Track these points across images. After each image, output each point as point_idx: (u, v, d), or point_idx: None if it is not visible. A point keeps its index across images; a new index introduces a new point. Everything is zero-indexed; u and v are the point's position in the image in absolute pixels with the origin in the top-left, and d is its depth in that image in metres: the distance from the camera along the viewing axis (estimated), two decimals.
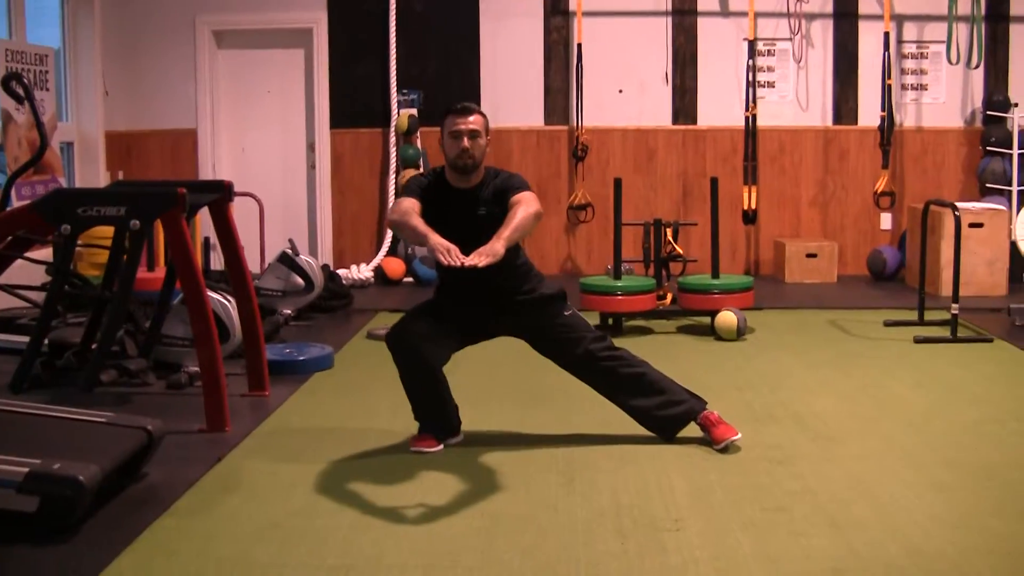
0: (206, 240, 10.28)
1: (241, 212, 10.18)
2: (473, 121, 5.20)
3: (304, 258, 8.77)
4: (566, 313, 5.49)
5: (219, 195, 6.45)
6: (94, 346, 6.48)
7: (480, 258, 4.74)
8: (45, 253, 7.67)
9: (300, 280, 8.69)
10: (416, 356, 5.32)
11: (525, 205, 5.06)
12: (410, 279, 10.96)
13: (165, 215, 5.78)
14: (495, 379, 6.99)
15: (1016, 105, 11.19)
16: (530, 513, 4.54)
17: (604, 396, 5.59)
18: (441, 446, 5.45)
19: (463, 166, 5.21)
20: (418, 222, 5.02)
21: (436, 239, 4.86)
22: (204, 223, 10.15)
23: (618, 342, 7.57)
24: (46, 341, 6.59)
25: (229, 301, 6.72)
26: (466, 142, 5.17)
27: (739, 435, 5.40)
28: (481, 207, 5.23)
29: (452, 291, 5.41)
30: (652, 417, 5.52)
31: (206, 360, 5.75)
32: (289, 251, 8.74)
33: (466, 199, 5.26)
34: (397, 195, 11.11)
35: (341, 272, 10.46)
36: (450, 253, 4.76)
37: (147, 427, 4.89)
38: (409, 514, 4.54)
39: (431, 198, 5.22)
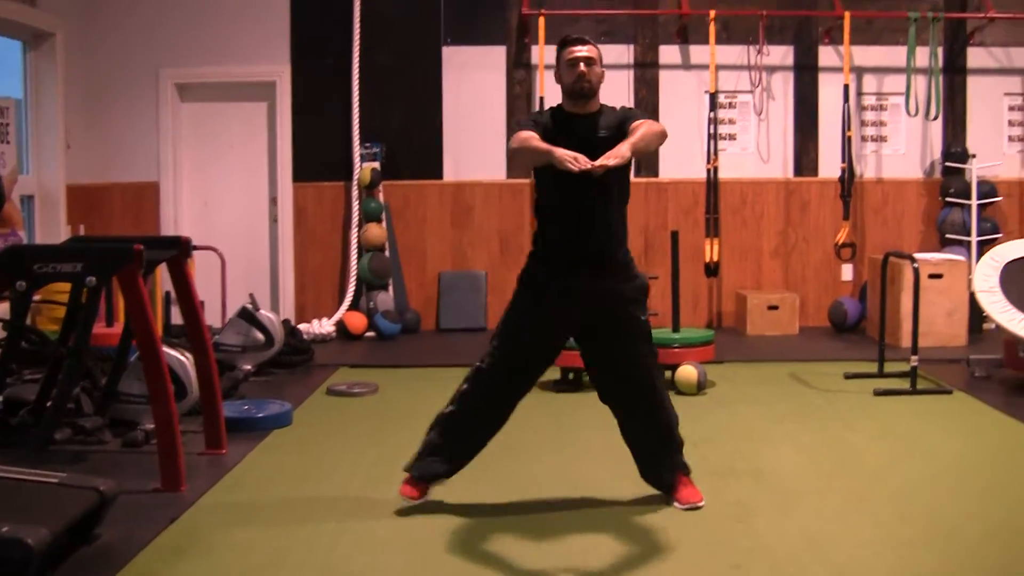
0: (167, 295, 10.23)
1: (203, 266, 10.23)
2: (588, 49, 5.24)
3: (264, 313, 8.73)
4: (643, 318, 5.45)
5: (176, 251, 6.42)
6: (49, 403, 6.42)
7: (608, 160, 4.79)
8: (2, 309, 7.61)
9: (260, 335, 8.65)
10: (494, 401, 5.41)
11: (649, 124, 5.09)
12: (372, 334, 10.92)
13: (121, 272, 5.75)
14: None
15: (974, 156, 11.28)
16: (486, 572, 4.51)
17: (619, 417, 5.51)
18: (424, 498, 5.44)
19: (580, 90, 5.22)
20: (539, 142, 5.03)
21: (561, 151, 4.86)
22: (165, 277, 10.11)
23: (579, 397, 7.60)
24: (1, 398, 6.53)
25: (187, 358, 6.68)
26: (582, 67, 5.19)
27: (703, 502, 5.39)
28: (602, 130, 5.21)
29: (554, 249, 5.32)
30: (653, 461, 5.50)
31: (161, 418, 5.71)
32: (249, 306, 8.70)
33: (586, 123, 5.25)
34: (360, 250, 11.10)
35: (302, 327, 10.42)
36: (578, 160, 4.79)
37: (99, 487, 4.84)
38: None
39: (549, 127, 5.21)
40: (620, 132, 5.12)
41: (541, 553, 4.75)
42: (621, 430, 5.52)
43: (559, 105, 5.36)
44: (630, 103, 11.27)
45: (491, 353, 5.37)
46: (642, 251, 11.33)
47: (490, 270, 11.42)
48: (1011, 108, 11.67)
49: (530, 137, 5.08)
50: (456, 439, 5.46)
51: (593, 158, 4.85)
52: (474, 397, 5.40)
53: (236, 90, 11.48)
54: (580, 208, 5.19)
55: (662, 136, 5.14)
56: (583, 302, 5.29)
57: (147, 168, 11.40)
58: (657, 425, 5.46)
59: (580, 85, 5.21)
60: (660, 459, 5.50)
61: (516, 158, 5.20)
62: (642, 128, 5.03)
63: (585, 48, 5.24)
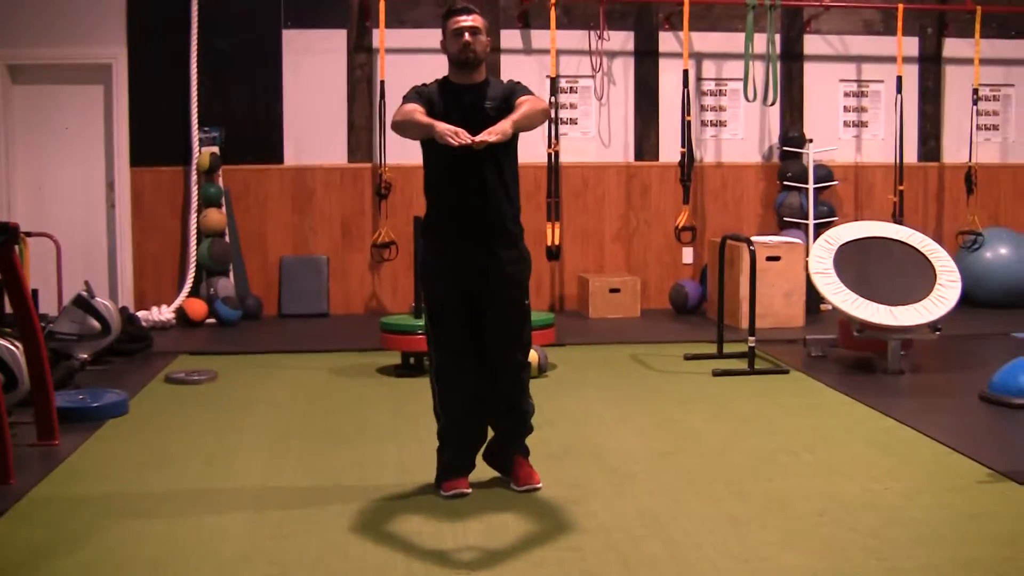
0: (0, 283, 9.96)
1: (38, 253, 9.97)
2: (472, 19, 5.30)
3: (100, 300, 8.55)
4: (524, 301, 5.51)
5: (4, 238, 6.23)
6: None
7: (489, 136, 4.87)
8: None
9: (96, 323, 8.46)
10: (468, 397, 5.39)
11: (533, 102, 5.17)
12: (212, 320, 10.76)
13: None
14: (290, 419, 6.92)
15: (811, 141, 11.51)
16: (320, 558, 4.47)
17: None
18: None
19: (465, 60, 5.26)
20: (422, 116, 5.08)
21: (443, 125, 4.94)
22: None
23: (419, 382, 7.59)
24: None
25: (16, 347, 6.51)
26: (467, 36, 5.24)
27: (541, 484, 5.40)
28: (488, 101, 5.25)
29: (444, 224, 5.34)
30: (500, 445, 5.56)
31: None
32: (85, 293, 8.52)
33: (473, 94, 5.29)
34: (199, 236, 10.94)
35: (141, 314, 10.24)
36: (458, 135, 4.86)
37: None
38: (194, 570, 4.43)
39: (435, 99, 5.24)
40: (506, 104, 5.20)
41: (371, 540, 4.71)
42: (484, 407, 5.51)
43: (445, 77, 5.39)
44: None
45: (426, 323, 5.45)
46: None
47: (332, 255, 11.34)
48: (846, 94, 11.95)
49: (414, 110, 5.12)
50: (455, 419, 5.44)
51: (480, 129, 4.95)
52: (442, 365, 5.42)
53: (71, 72, 11.21)
54: (466, 181, 5.23)
55: (545, 114, 5.28)
56: (470, 272, 5.31)
57: None
58: (515, 410, 5.48)
59: (466, 55, 5.25)
60: (508, 444, 5.53)
61: (399, 131, 5.19)
62: (525, 105, 5.12)
63: (470, 18, 5.30)
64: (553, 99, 11.02)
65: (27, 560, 4.51)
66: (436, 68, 11.01)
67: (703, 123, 11.72)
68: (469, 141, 4.84)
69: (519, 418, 5.50)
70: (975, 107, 11.66)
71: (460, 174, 5.19)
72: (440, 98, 5.25)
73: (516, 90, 5.28)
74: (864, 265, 8.47)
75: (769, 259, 10.02)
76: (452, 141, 4.85)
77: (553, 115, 10.99)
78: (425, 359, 8.33)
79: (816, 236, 10.77)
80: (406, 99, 5.27)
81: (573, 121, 11.54)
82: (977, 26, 11.43)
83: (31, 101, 11.25)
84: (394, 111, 5.25)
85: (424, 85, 5.37)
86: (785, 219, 11.48)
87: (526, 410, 5.52)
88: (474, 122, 5.04)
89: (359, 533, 4.80)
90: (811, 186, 11.34)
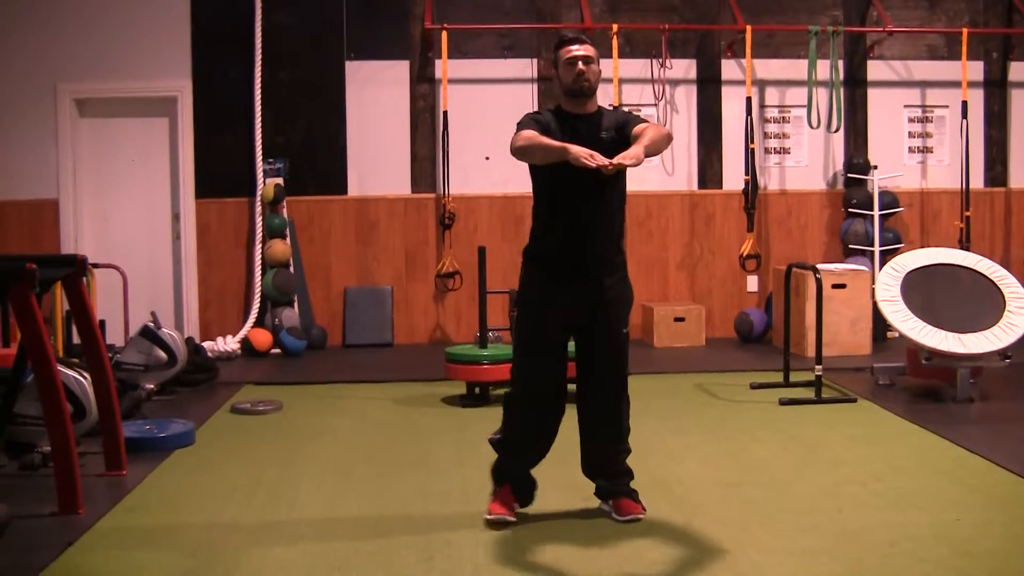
0: (68, 313, 10.04)
1: (105, 284, 10.07)
2: (585, 48, 5.26)
3: (167, 331, 8.60)
4: (624, 330, 5.42)
5: (72, 270, 6.29)
6: None
7: (625, 159, 4.80)
8: None
9: (163, 354, 8.51)
10: (541, 410, 5.39)
11: (655, 128, 5.13)
12: (277, 351, 10.81)
13: (13, 290, 5.62)
14: (354, 449, 6.91)
15: (875, 167, 11.42)
16: None
17: (580, 416, 5.47)
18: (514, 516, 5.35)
19: (580, 89, 5.22)
20: (549, 139, 5.03)
21: (577, 148, 4.87)
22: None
23: (485, 412, 7.57)
24: None
25: (84, 378, 6.55)
26: (581, 65, 5.20)
27: (643, 512, 5.40)
28: (603, 131, 5.21)
29: (550, 253, 5.31)
30: (602, 461, 5.50)
31: (57, 440, 5.58)
32: (151, 324, 8.57)
33: (587, 124, 5.24)
34: (264, 266, 11.00)
35: (206, 344, 10.29)
36: (594, 157, 4.79)
37: None
38: None
39: (552, 127, 5.19)
40: (620, 135, 5.16)
41: (437, 572, 4.69)
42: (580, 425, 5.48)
43: (557, 105, 5.36)
44: None
45: (515, 348, 5.48)
46: None
47: (395, 285, 11.37)
48: (911, 120, 11.85)
49: (536, 135, 5.08)
50: (520, 439, 5.46)
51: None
52: (521, 395, 5.44)
53: (136, 105, 11.33)
54: (581, 210, 5.20)
55: (668, 139, 5.22)
56: (572, 301, 5.30)
57: (45, 185, 11.20)
58: (612, 425, 5.43)
59: (580, 84, 5.22)
60: (607, 465, 5.48)
61: (522, 155, 5.13)
62: (650, 131, 5.07)
63: (583, 47, 5.26)
64: None
65: None
66: (497, 98, 11.05)
67: (766, 150, 11.66)
68: (607, 164, 4.78)
69: (617, 433, 5.44)
70: None
71: (575, 202, 5.18)
72: (556, 126, 5.20)
73: (630, 119, 5.25)
74: (931, 292, 8.39)
75: (835, 287, 9.95)
76: (589, 163, 4.78)
77: None
78: (496, 387, 8.32)
79: (882, 263, 10.68)
80: (523, 125, 5.21)
81: None
82: None
83: (98, 134, 11.39)
84: (512, 137, 5.15)
85: (538, 112, 5.35)
86: (850, 246, 11.40)
87: (623, 428, 5.46)
88: (590, 149, 4.97)
89: (425, 564, 4.78)
90: (876, 213, 11.25)
